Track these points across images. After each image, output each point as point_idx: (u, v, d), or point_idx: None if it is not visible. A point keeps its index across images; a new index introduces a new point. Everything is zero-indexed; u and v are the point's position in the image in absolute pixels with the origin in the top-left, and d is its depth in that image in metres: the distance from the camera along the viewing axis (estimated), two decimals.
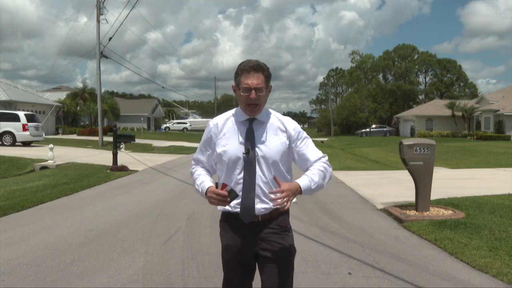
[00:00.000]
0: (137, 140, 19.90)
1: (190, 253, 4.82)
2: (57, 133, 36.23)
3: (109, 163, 13.77)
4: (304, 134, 2.34)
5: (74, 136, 32.70)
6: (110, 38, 23.56)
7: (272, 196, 2.11)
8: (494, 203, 7.29)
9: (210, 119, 2.45)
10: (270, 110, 2.36)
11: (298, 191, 2.16)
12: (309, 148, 2.32)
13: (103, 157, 16.62)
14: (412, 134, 47.89)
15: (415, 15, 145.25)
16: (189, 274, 4.17)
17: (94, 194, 9.05)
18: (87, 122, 43.93)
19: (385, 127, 57.28)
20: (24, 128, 21.36)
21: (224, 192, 2.10)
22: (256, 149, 2.22)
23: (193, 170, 2.48)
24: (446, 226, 5.76)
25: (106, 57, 24.42)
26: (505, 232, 5.45)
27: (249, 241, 2.26)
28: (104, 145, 23.59)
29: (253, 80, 2.19)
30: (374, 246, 5.16)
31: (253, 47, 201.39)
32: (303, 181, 2.19)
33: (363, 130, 57.09)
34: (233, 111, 2.37)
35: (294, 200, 2.21)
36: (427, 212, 6.58)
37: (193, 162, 2.52)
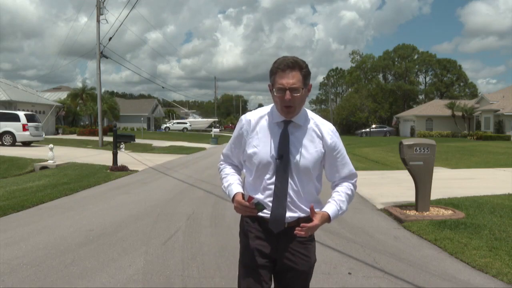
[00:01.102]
0: (137, 140, 19.91)
1: (190, 253, 4.82)
2: (57, 133, 36.23)
3: (109, 163, 13.77)
4: (341, 144, 2.19)
5: (74, 136, 32.69)
6: (110, 38, 23.58)
7: (298, 229, 1.99)
8: (494, 203, 7.29)
9: (243, 116, 2.24)
10: (309, 112, 2.18)
11: (325, 221, 2.09)
12: (343, 162, 2.19)
13: (103, 157, 16.62)
14: (412, 134, 47.89)
15: (415, 15, 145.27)
16: (189, 274, 4.17)
17: (94, 194, 9.05)
18: (87, 122, 43.93)
19: (385, 127, 57.29)
20: (24, 128, 21.36)
21: (251, 205, 1.99)
22: (290, 155, 2.06)
23: (221, 167, 2.32)
24: (446, 226, 5.76)
25: (106, 57, 24.42)
26: (505, 232, 5.45)
27: (271, 247, 2.13)
28: (104, 145, 23.59)
29: (288, 79, 1.99)
30: (374, 246, 5.16)
31: (253, 47, 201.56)
32: (332, 210, 2.10)
33: (363, 130, 57.10)
34: (268, 108, 2.19)
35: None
36: (427, 212, 6.58)
37: (221, 158, 2.35)
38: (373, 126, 58.31)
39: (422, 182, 6.62)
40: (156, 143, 29.20)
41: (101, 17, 23.68)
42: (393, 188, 9.57)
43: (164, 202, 8.07)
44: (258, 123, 2.14)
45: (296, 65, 2.00)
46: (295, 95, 2.00)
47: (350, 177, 2.21)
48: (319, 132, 2.12)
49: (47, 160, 13.92)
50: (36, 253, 4.81)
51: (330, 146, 2.13)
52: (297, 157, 2.06)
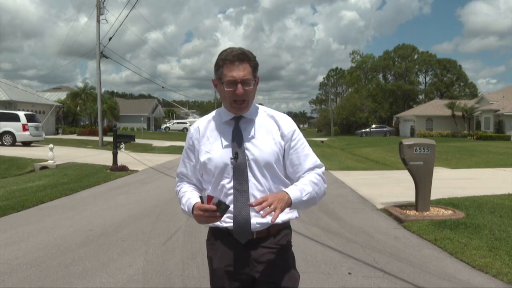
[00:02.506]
0: (137, 140, 19.91)
1: (190, 253, 4.82)
2: (57, 133, 36.23)
3: (109, 163, 13.77)
4: (300, 134, 1.97)
5: (74, 136, 32.69)
6: (110, 38, 23.59)
7: (256, 207, 1.70)
8: (494, 203, 7.29)
9: (191, 126, 2.10)
10: (258, 105, 2.03)
11: (287, 201, 1.77)
12: (304, 152, 1.95)
13: (103, 157, 16.61)
14: (412, 134, 47.90)
15: (415, 15, 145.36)
16: (189, 274, 4.17)
17: (94, 194, 9.05)
18: (87, 122, 43.94)
19: (385, 127, 57.30)
20: (24, 128, 21.36)
21: (212, 206, 1.73)
22: (246, 151, 1.87)
23: (178, 188, 2.05)
24: (446, 226, 5.76)
25: (106, 57, 24.43)
26: (505, 232, 5.45)
27: (243, 263, 1.88)
28: (104, 145, 23.59)
29: (239, 72, 1.83)
30: (374, 246, 5.16)
31: (253, 47, 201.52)
32: (291, 191, 1.82)
33: (363, 130, 57.10)
34: (214, 112, 2.04)
35: (293, 215, 1.94)
36: (427, 212, 6.58)
37: (177, 179, 2.09)
38: (373, 126, 58.31)
39: (422, 182, 6.62)
40: (156, 143, 29.21)
41: (101, 17, 23.69)
42: (393, 188, 9.57)
43: (164, 202, 8.07)
44: (207, 128, 1.98)
45: (245, 56, 1.85)
46: (247, 88, 1.85)
47: (313, 169, 1.95)
48: (275, 123, 1.95)
49: (47, 160, 13.92)
50: (36, 253, 4.81)
51: (288, 135, 1.93)
52: (255, 152, 1.87)
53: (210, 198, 1.75)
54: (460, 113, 46.14)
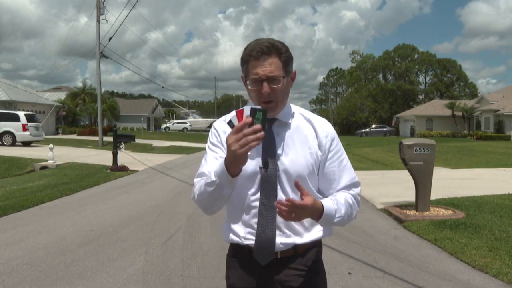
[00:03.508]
0: (137, 140, 19.91)
1: (190, 253, 4.82)
2: (57, 133, 36.22)
3: (109, 163, 13.77)
4: (339, 143, 1.72)
5: (74, 136, 32.69)
6: (110, 38, 23.58)
7: (279, 205, 1.46)
8: (494, 203, 7.29)
9: (216, 120, 1.82)
10: (296, 107, 1.75)
11: (317, 214, 1.54)
12: (341, 165, 1.69)
13: (103, 157, 16.61)
14: (412, 134, 47.89)
15: (415, 15, 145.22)
16: (189, 274, 4.17)
17: (94, 194, 9.05)
18: (87, 122, 43.93)
19: (385, 127, 57.31)
20: (24, 128, 21.36)
21: (247, 120, 1.37)
22: (277, 161, 1.61)
23: (197, 185, 1.72)
24: (446, 226, 5.76)
25: (106, 57, 24.43)
26: (505, 232, 5.45)
27: (264, 286, 1.66)
28: (104, 145, 23.58)
29: (264, 67, 1.57)
30: (374, 246, 5.16)
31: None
32: (327, 204, 1.57)
33: (363, 130, 57.10)
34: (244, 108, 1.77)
35: (326, 232, 1.68)
36: (427, 212, 6.58)
37: (196, 180, 1.75)
38: (373, 126, 58.31)
39: (422, 182, 6.62)
40: (156, 143, 29.20)
41: (101, 17, 23.69)
42: (393, 188, 9.57)
43: (164, 202, 8.07)
44: None
45: (273, 49, 1.58)
46: (275, 86, 1.57)
47: (349, 187, 1.69)
48: (312, 130, 1.69)
49: (47, 160, 13.92)
50: (36, 253, 4.81)
51: (326, 144, 1.67)
52: (287, 162, 1.61)
53: (240, 112, 1.41)
54: (460, 113, 46.15)
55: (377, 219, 6.72)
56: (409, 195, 7.58)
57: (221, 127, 1.70)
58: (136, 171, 13.23)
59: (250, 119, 1.37)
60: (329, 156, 1.68)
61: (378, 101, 67.43)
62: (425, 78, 78.44)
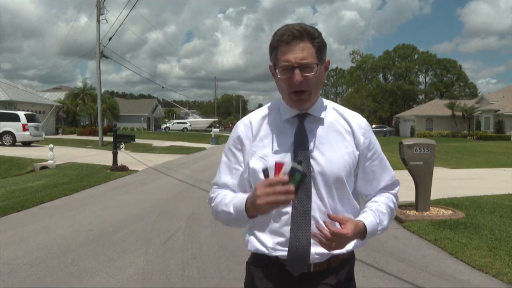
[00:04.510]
0: (137, 140, 19.89)
1: (190, 253, 4.82)
2: (57, 133, 36.22)
3: (109, 163, 13.77)
4: (376, 141, 1.59)
5: (74, 136, 32.68)
6: (110, 38, 23.57)
7: (318, 231, 1.34)
8: (494, 203, 7.29)
9: (239, 121, 1.62)
10: (326, 100, 1.60)
11: (359, 236, 1.42)
12: (381, 165, 1.57)
13: (103, 157, 16.61)
14: (412, 134, 47.90)
15: (415, 15, 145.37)
16: (189, 274, 4.17)
17: (94, 194, 9.05)
18: (87, 122, 43.92)
19: (385, 127, 57.30)
20: (24, 128, 21.36)
21: (283, 178, 1.25)
22: (312, 161, 1.46)
23: (214, 195, 1.57)
24: (446, 226, 5.76)
25: (106, 57, 24.42)
26: (505, 232, 5.45)
27: None
28: (104, 145, 23.57)
29: (296, 53, 1.40)
30: (374, 246, 5.16)
31: (253, 47, 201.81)
32: (368, 220, 1.45)
33: None
34: (270, 105, 1.60)
35: (360, 242, 1.51)
36: (427, 212, 6.58)
37: (213, 188, 1.61)
38: (373, 126, 58.22)
39: (422, 182, 6.62)
40: (156, 143, 29.19)
41: (101, 17, 23.67)
42: None
43: (164, 202, 8.07)
44: (261, 126, 1.54)
45: (305, 33, 1.42)
46: (308, 74, 1.41)
47: (391, 187, 1.59)
48: (348, 126, 1.53)
49: (47, 160, 13.92)
50: (36, 253, 4.81)
51: (364, 143, 1.52)
52: (323, 162, 1.46)
53: (279, 166, 1.29)
54: (460, 113, 46.15)
55: None
56: (409, 195, 7.57)
57: (244, 122, 1.58)
58: (136, 171, 13.22)
59: (287, 178, 1.25)
60: (369, 155, 1.54)
61: (378, 101, 67.47)
62: (425, 78, 78.59)
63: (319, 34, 1.45)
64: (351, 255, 1.57)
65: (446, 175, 12.09)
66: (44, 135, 23.53)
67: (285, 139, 1.49)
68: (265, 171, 1.31)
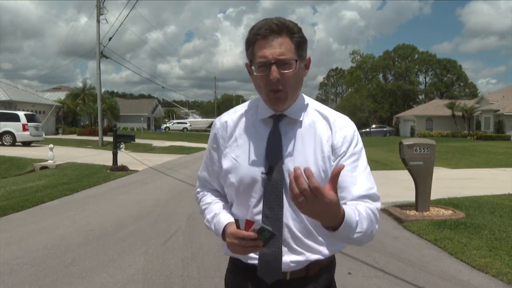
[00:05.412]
0: (137, 140, 19.89)
1: (190, 253, 4.82)
2: (57, 133, 36.24)
3: (109, 163, 13.77)
4: (358, 145, 1.43)
5: (74, 136, 32.70)
6: (110, 38, 23.57)
7: (294, 173, 1.12)
8: (494, 203, 7.29)
9: (217, 119, 1.57)
10: (310, 100, 1.49)
11: (334, 220, 1.20)
12: (355, 171, 1.39)
13: (103, 157, 16.61)
14: (412, 134, 47.90)
15: (415, 15, 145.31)
16: (189, 274, 4.17)
17: (94, 194, 9.05)
18: (87, 122, 43.92)
19: (385, 127, 57.31)
20: (24, 128, 21.37)
21: (251, 234, 1.28)
22: (283, 167, 1.37)
23: (199, 196, 1.62)
24: (446, 226, 5.76)
25: (106, 57, 24.41)
26: (505, 232, 5.45)
27: None
28: (104, 145, 23.58)
29: (273, 49, 1.31)
30: (374, 246, 5.15)
31: None
32: (348, 212, 1.24)
33: (363, 130, 56.97)
34: (250, 103, 1.52)
35: (339, 246, 1.48)
36: (427, 212, 6.58)
37: (197, 183, 1.64)
38: (373, 126, 58.30)
39: (422, 182, 6.62)
40: (156, 143, 29.19)
41: (101, 17, 23.67)
42: (393, 188, 9.56)
43: (164, 202, 8.07)
44: (237, 125, 1.47)
45: (283, 28, 1.33)
46: (286, 71, 1.32)
47: (365, 198, 1.37)
48: (328, 129, 1.42)
49: (47, 160, 13.92)
50: (36, 253, 4.81)
51: (343, 148, 1.40)
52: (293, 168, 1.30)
53: (249, 224, 1.30)
54: (460, 113, 46.15)
55: None
56: (409, 195, 7.57)
57: (220, 121, 1.52)
58: (136, 171, 13.22)
59: (255, 235, 1.28)
60: (343, 159, 1.39)
61: (378, 101, 67.49)
62: (425, 78, 78.61)
63: (299, 29, 1.37)
64: (330, 261, 1.50)
65: (446, 175, 12.09)
66: (44, 135, 23.54)
67: (259, 140, 1.42)
68: (237, 221, 1.33)
